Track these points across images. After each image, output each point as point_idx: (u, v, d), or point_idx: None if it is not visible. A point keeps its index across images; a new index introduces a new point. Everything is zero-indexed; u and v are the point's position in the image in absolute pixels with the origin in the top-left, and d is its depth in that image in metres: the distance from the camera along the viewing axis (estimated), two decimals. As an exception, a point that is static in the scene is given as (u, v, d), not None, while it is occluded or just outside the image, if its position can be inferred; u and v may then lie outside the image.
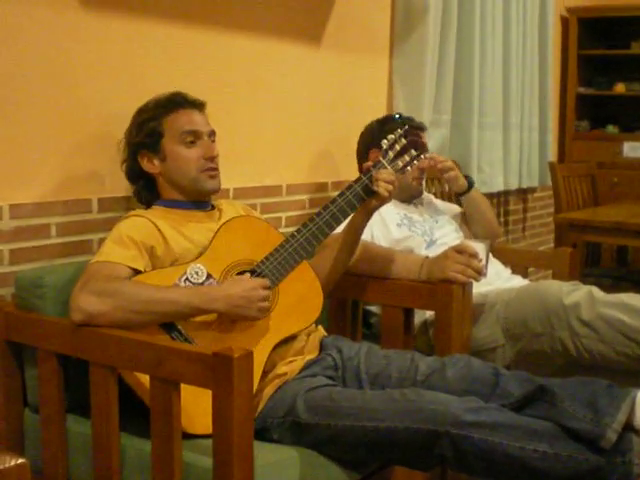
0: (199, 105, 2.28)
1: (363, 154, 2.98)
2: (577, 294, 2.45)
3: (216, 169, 2.24)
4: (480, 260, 2.39)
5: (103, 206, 2.40)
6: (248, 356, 1.68)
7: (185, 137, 2.21)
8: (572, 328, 2.40)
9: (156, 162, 2.23)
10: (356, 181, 2.26)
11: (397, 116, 3.00)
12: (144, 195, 2.29)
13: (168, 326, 1.98)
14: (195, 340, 1.99)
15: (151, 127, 2.22)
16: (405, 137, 2.30)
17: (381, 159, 2.27)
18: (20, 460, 1.11)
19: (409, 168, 2.33)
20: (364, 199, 2.25)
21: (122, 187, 2.42)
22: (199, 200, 2.26)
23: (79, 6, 2.28)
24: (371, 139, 2.96)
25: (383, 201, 2.26)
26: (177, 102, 2.24)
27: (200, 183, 2.22)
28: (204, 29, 2.67)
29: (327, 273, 2.37)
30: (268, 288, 2.04)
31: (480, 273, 2.38)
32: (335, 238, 2.37)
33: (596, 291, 2.48)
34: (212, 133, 2.27)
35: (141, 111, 2.26)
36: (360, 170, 3.01)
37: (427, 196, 3.12)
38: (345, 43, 3.32)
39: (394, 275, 2.49)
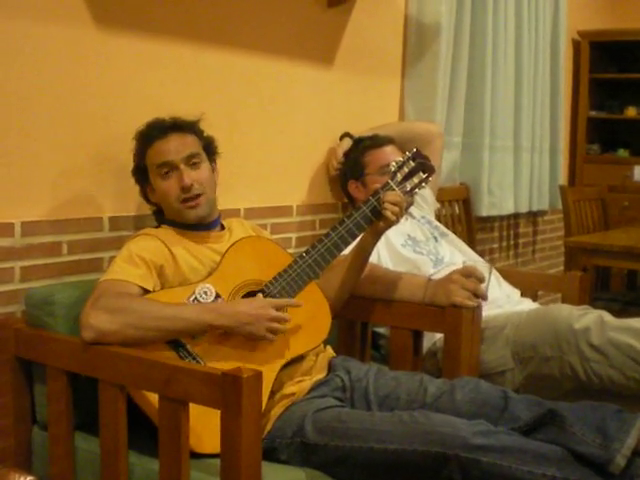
0: (180, 127, 2.23)
1: (344, 188, 3.03)
2: (587, 318, 2.44)
3: (194, 198, 2.18)
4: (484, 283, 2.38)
5: (114, 224, 2.41)
6: (257, 376, 1.68)
7: (160, 170, 2.18)
8: (582, 352, 2.38)
9: (152, 193, 2.26)
10: (364, 203, 2.26)
11: (351, 138, 3.07)
12: (158, 216, 2.31)
13: (176, 344, 1.98)
14: (203, 359, 1.99)
15: (137, 163, 2.24)
16: (414, 160, 2.29)
17: (389, 181, 2.27)
18: (29, 477, 1.11)
19: (417, 190, 2.33)
20: (372, 221, 2.26)
21: (132, 206, 2.43)
22: (202, 223, 2.25)
23: (92, 24, 2.30)
24: (351, 168, 2.98)
25: (391, 223, 2.26)
26: (153, 135, 2.21)
27: (182, 214, 2.20)
28: (216, 50, 2.68)
29: (335, 294, 2.37)
30: (281, 309, 2.05)
31: (484, 298, 2.37)
32: (343, 259, 2.37)
33: (606, 316, 2.47)
34: (191, 156, 2.19)
35: (134, 142, 2.27)
36: (347, 196, 3.03)
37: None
38: (357, 64, 3.33)
39: (397, 297, 2.48)
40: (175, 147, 2.19)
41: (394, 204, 2.22)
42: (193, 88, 2.62)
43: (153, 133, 2.21)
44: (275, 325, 2.02)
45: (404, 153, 2.33)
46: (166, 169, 2.18)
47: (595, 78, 5.84)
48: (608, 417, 1.88)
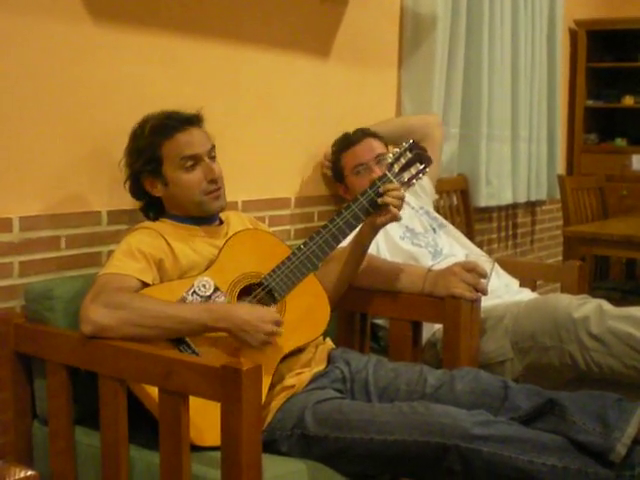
0: (195, 121, 2.21)
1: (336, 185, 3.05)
2: (586, 307, 2.44)
3: (220, 189, 2.21)
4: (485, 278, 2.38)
5: (112, 218, 2.41)
6: (257, 369, 1.68)
7: (184, 163, 2.15)
8: (581, 342, 2.39)
9: (159, 186, 2.20)
10: (362, 194, 2.25)
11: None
12: (150, 211, 2.29)
13: (176, 338, 1.98)
14: (202, 353, 1.99)
15: (149, 155, 2.17)
16: (410, 151, 2.29)
17: (387, 172, 2.26)
18: (30, 472, 1.11)
19: (415, 182, 2.33)
20: (370, 212, 2.25)
21: (131, 200, 2.42)
22: (206, 216, 2.25)
23: (90, 19, 2.30)
24: (334, 172, 2.99)
25: (392, 217, 2.25)
26: (172, 126, 2.17)
27: (205, 206, 2.20)
28: (212, 44, 2.68)
29: (334, 286, 2.37)
30: (279, 325, 2.04)
31: (484, 293, 2.37)
32: (341, 251, 2.37)
33: (605, 305, 2.47)
34: (211, 149, 2.21)
35: (137, 136, 2.21)
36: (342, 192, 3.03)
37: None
38: (354, 56, 3.32)
39: (397, 288, 2.47)
40: (198, 140, 2.18)
41: (395, 197, 2.22)
42: (189, 82, 2.61)
43: (171, 124, 2.18)
44: (270, 340, 2.01)
45: (400, 146, 2.32)
46: (191, 162, 2.16)
47: (592, 67, 5.83)
48: (608, 406, 1.88)
